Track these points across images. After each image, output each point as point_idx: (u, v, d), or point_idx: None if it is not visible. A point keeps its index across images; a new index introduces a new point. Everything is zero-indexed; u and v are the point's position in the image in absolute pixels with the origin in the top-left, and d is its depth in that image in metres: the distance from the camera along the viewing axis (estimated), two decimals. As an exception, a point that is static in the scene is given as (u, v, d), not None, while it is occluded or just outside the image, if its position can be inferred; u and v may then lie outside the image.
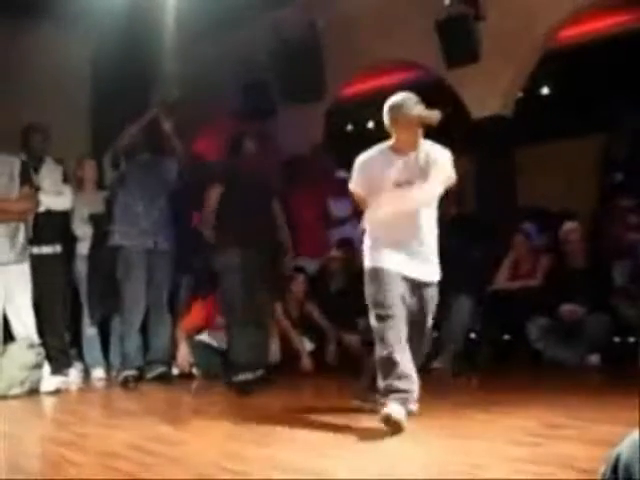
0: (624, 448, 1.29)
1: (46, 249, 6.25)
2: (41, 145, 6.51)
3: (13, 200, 5.92)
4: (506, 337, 7.23)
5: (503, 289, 7.12)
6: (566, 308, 6.59)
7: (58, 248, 6.55)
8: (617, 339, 6.68)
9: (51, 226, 6.40)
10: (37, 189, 6.20)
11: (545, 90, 10.51)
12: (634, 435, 1.31)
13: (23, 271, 6.00)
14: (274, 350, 7.01)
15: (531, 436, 3.59)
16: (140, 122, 6.58)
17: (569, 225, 6.95)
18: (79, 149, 7.96)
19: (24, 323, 5.90)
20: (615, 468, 1.29)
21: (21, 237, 5.98)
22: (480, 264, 7.38)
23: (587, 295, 6.53)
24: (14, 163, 6.00)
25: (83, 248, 6.91)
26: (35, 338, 5.93)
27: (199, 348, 6.94)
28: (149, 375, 6.54)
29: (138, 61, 8.89)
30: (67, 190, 6.74)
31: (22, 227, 6.02)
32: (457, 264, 5.82)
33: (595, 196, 8.52)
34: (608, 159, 8.44)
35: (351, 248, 8.39)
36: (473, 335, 7.26)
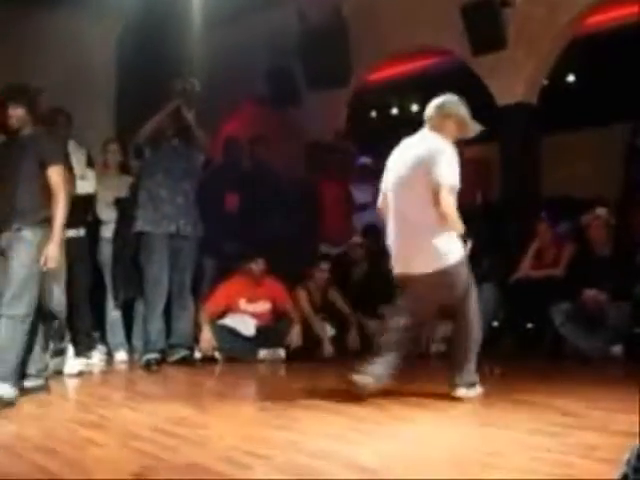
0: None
1: (70, 232, 6.29)
2: (65, 128, 6.54)
3: None
4: (529, 326, 7.21)
5: (527, 278, 7.10)
6: (589, 294, 6.55)
7: (82, 232, 6.58)
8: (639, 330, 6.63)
9: (75, 209, 6.42)
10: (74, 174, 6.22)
11: (571, 78, 10.43)
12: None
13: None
14: (295, 336, 7.05)
15: (551, 425, 3.59)
16: (163, 112, 6.61)
17: (598, 211, 6.89)
18: (102, 134, 7.97)
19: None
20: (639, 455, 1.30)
21: None
22: (504, 253, 7.36)
23: (611, 283, 6.50)
24: None
25: (107, 231, 6.94)
26: (62, 318, 5.94)
27: (222, 332, 6.98)
28: (171, 358, 6.58)
29: (162, 46, 8.90)
30: (90, 174, 6.77)
31: None
32: (482, 252, 5.82)
33: (620, 184, 8.46)
34: (634, 147, 8.38)
35: (375, 234, 8.41)
36: (496, 323, 7.25)
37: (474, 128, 4.56)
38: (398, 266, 4.49)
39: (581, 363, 6.25)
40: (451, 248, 4.31)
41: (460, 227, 4.30)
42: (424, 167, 4.29)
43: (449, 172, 4.25)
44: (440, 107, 4.39)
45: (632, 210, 7.38)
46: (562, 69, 9.34)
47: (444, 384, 4.50)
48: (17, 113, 5.04)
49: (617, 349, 6.44)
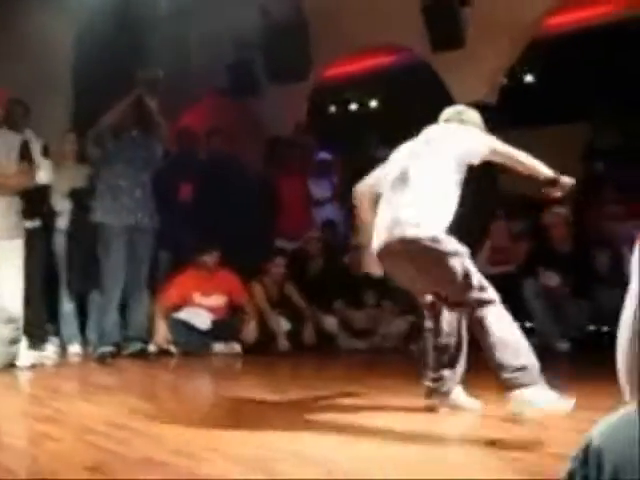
0: (596, 433, 1.33)
1: (26, 224, 6.21)
2: (22, 119, 6.46)
3: (9, 175, 5.85)
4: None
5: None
6: (546, 274, 6.70)
7: (37, 222, 6.51)
8: (592, 327, 6.77)
9: (30, 200, 6.35)
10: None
11: (529, 78, 10.55)
12: (606, 421, 1.35)
13: (16, 246, 5.93)
14: (250, 330, 7.06)
15: (502, 421, 3.64)
16: (125, 101, 6.57)
17: (557, 210, 7.01)
18: (60, 125, 7.89)
19: (9, 298, 5.84)
20: (586, 452, 1.33)
21: (14, 212, 5.93)
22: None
23: (570, 279, 6.63)
24: (15, 138, 5.95)
25: (62, 223, 6.88)
26: (16, 313, 5.88)
27: (177, 325, 6.96)
28: (126, 351, 6.55)
29: (122, 37, 8.83)
30: (46, 164, 6.68)
31: (16, 202, 5.96)
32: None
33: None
34: (591, 148, 8.50)
35: (333, 229, 8.44)
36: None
37: None
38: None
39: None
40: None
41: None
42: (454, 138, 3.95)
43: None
44: (460, 112, 4.19)
45: (589, 209, 7.51)
46: (522, 69, 9.46)
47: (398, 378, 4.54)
48: None
49: (565, 345, 6.56)
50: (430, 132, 4.01)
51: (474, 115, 4.19)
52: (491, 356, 3.37)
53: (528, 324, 6.86)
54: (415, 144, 3.96)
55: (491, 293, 3.49)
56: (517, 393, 3.31)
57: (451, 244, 3.60)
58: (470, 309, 3.49)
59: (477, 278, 3.52)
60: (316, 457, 3.03)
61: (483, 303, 3.44)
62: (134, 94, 6.56)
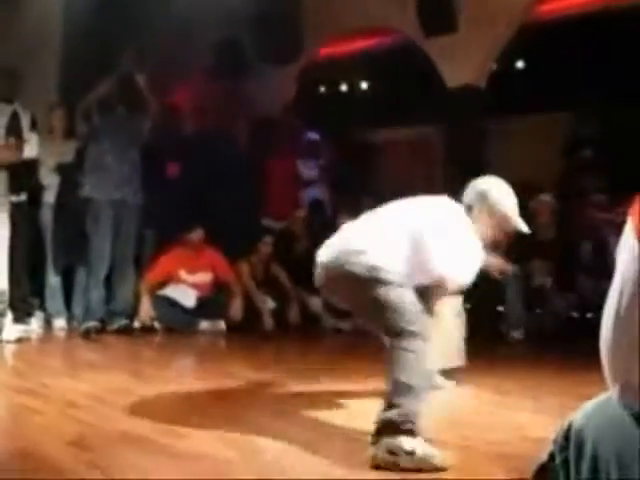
0: (577, 416, 1.36)
1: (12, 197, 6.19)
2: (9, 90, 6.41)
3: None
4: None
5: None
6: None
7: (23, 197, 6.48)
8: (575, 314, 6.81)
9: (17, 174, 6.32)
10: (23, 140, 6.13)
11: (520, 64, 10.53)
12: (586, 405, 1.38)
13: (1, 220, 5.93)
14: (236, 308, 7.08)
15: (485, 404, 3.68)
16: (112, 78, 6.53)
17: (543, 197, 7.03)
18: (48, 98, 7.83)
19: None
20: (567, 434, 1.36)
21: (0, 186, 5.91)
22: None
23: (554, 267, 6.66)
24: (3, 111, 5.92)
25: (50, 197, 6.86)
26: (1, 286, 5.88)
27: (162, 302, 6.97)
28: (111, 327, 6.56)
29: (112, 11, 8.75)
30: (34, 138, 6.64)
31: (2, 177, 5.94)
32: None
33: (560, 172, 8.62)
34: (577, 136, 8.54)
35: (320, 210, 8.45)
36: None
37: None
38: None
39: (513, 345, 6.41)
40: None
41: None
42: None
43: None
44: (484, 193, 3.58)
45: (573, 199, 7.55)
46: (512, 54, 9.45)
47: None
48: None
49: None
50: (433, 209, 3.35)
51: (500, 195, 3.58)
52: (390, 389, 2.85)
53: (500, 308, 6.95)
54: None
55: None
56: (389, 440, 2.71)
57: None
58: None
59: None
60: (298, 435, 3.05)
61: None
62: (121, 69, 6.53)
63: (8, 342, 5.83)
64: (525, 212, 7.15)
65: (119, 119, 6.65)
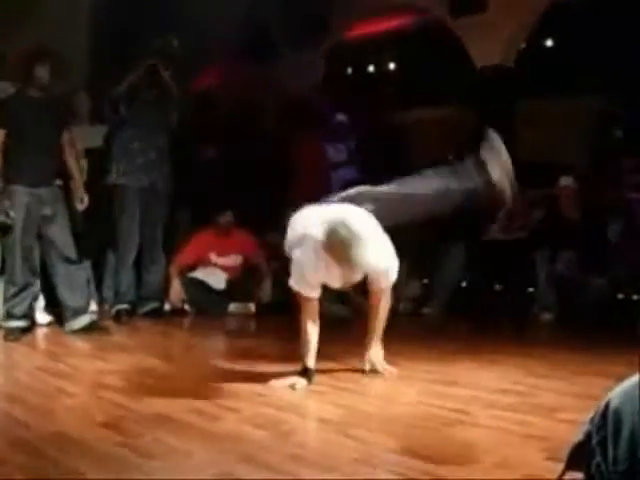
0: (614, 395, 1.34)
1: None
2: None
3: None
4: (497, 287, 7.31)
5: (495, 240, 7.18)
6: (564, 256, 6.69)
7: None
8: (606, 295, 6.73)
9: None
10: None
11: (549, 42, 10.40)
12: (624, 384, 1.35)
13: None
14: (266, 290, 7.09)
15: (516, 385, 3.65)
16: (138, 71, 6.53)
17: (564, 180, 6.96)
18: (74, 83, 7.85)
19: None
20: (604, 414, 1.34)
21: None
22: (475, 214, 7.41)
23: (582, 248, 6.59)
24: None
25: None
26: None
27: (192, 285, 7.00)
28: (141, 310, 6.60)
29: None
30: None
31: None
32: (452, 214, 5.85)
33: (590, 152, 8.52)
34: (608, 116, 8.42)
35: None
36: (464, 284, 7.33)
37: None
38: None
39: (547, 325, 6.37)
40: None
41: None
42: None
43: None
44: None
45: (603, 179, 7.46)
46: (541, 33, 9.34)
47: (411, 343, 4.56)
48: None
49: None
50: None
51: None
52: None
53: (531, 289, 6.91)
54: None
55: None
56: None
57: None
58: None
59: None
60: (329, 417, 3.05)
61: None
62: (149, 63, 6.52)
63: (41, 326, 5.89)
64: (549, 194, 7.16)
65: (146, 106, 6.65)
